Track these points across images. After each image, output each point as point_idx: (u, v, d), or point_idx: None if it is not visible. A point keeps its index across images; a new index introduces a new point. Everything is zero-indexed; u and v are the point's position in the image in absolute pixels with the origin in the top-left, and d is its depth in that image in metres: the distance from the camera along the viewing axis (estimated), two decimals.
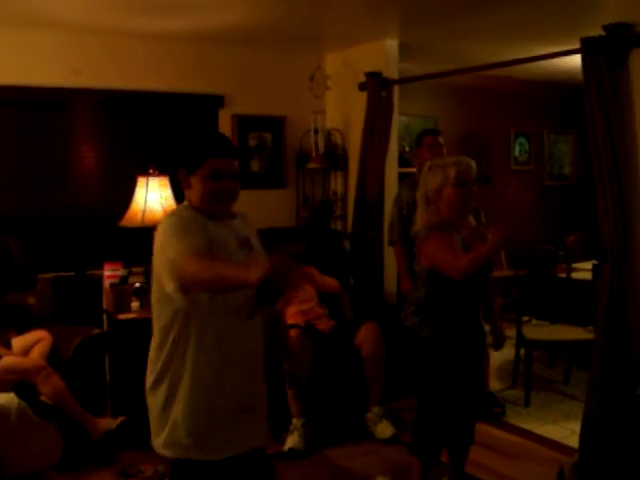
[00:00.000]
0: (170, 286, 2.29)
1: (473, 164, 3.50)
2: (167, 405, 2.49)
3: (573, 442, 4.29)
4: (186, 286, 2.26)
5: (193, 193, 2.49)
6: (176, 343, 2.44)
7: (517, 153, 8.54)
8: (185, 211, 2.49)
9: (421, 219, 3.54)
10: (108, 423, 4.35)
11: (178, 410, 2.46)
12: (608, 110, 3.83)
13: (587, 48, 3.91)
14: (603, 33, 3.88)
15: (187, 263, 2.20)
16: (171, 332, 2.45)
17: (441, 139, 4.98)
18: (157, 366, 2.51)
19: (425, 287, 3.47)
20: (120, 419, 4.36)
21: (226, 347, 2.45)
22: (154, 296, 2.48)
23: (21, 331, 4.46)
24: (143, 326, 4.60)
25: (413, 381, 3.89)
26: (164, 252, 2.32)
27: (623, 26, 3.83)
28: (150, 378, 2.56)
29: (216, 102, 5.99)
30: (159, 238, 2.38)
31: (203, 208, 2.47)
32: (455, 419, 3.58)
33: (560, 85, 7.83)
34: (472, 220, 3.63)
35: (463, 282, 3.31)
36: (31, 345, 4.32)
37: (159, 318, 2.49)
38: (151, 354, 2.57)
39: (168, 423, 2.49)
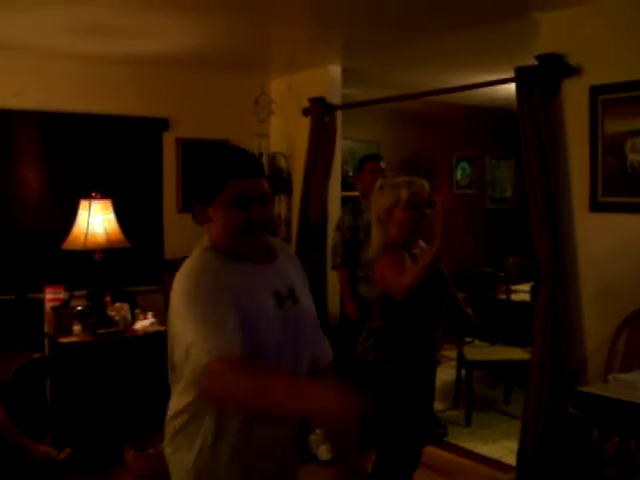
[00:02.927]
0: (189, 378, 1.84)
1: (426, 185, 3.42)
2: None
3: (512, 460, 4.37)
4: (212, 399, 1.81)
5: (213, 227, 1.97)
6: (193, 418, 1.98)
7: (459, 177, 8.71)
8: (206, 258, 1.95)
9: (375, 240, 3.46)
10: (49, 449, 4.30)
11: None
12: (541, 137, 3.97)
13: (521, 77, 4.06)
14: (536, 62, 4.04)
15: (212, 374, 1.68)
16: (188, 408, 1.99)
17: (382, 164, 5.06)
18: (180, 424, 2.02)
19: (382, 316, 3.38)
20: (66, 452, 4.31)
21: (254, 433, 1.98)
22: (173, 351, 1.96)
23: None
24: (85, 350, 4.63)
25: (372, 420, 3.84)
26: (181, 326, 1.83)
27: (555, 57, 3.99)
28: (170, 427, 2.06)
29: (160, 125, 6.00)
30: (174, 298, 1.89)
31: (228, 246, 1.95)
32: (413, 446, 3.59)
33: (501, 111, 8.02)
34: (423, 243, 3.56)
35: (417, 306, 3.31)
36: None
37: (180, 376, 2.00)
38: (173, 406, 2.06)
39: None
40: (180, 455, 2.00)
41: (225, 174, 1.91)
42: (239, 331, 1.78)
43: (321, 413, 1.55)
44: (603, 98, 3.87)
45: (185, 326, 1.79)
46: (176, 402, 2.02)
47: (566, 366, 3.95)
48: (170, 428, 2.05)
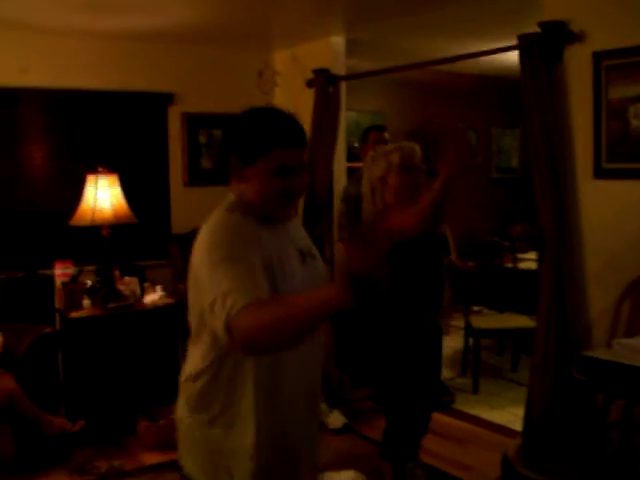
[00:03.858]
0: (223, 337, 1.76)
1: (417, 148, 3.42)
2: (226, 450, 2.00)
3: (519, 426, 4.41)
4: (246, 349, 1.77)
5: (248, 187, 1.97)
6: (213, 379, 1.99)
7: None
8: (232, 217, 1.95)
9: (367, 211, 3.47)
10: (63, 421, 4.37)
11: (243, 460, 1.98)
12: (545, 104, 3.96)
13: (524, 45, 4.04)
14: (539, 30, 4.02)
15: (241, 321, 1.68)
16: (212, 367, 1.98)
17: (387, 135, 5.07)
18: (197, 390, 2.03)
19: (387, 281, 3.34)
20: (79, 424, 4.38)
21: (284, 386, 1.98)
22: (192, 313, 1.99)
23: None
24: (95, 324, 4.69)
25: (380, 388, 3.87)
26: (210, 284, 1.81)
27: (558, 23, 3.97)
28: (191, 391, 2.06)
29: (165, 100, 6.02)
30: (198, 255, 1.90)
31: (260, 208, 1.97)
32: (422, 412, 3.65)
33: (507, 80, 7.97)
34: None
35: (420, 268, 3.32)
36: None
37: (196, 341, 2.02)
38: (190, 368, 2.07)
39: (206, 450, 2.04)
40: (200, 418, 2.01)
41: (273, 142, 1.92)
42: (264, 283, 1.81)
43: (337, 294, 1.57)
44: (606, 64, 3.85)
45: (213, 279, 1.79)
46: (192, 365, 2.03)
47: (571, 332, 3.97)
48: (186, 391, 2.06)
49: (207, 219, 1.99)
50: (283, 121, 1.98)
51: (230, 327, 1.70)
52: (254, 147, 1.94)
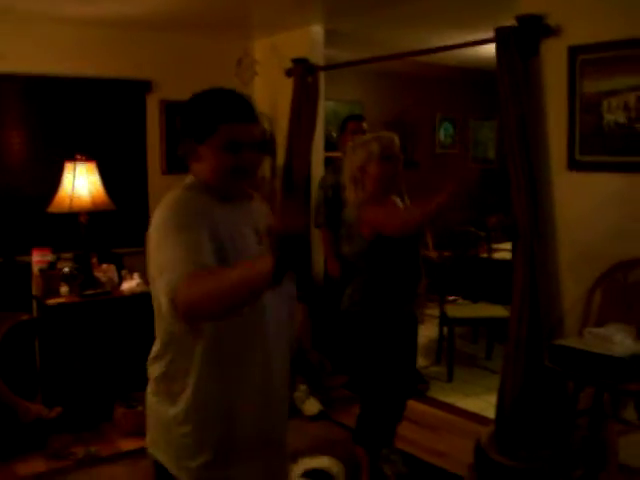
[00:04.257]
0: (166, 307, 1.77)
1: (396, 138, 3.51)
2: (170, 421, 2.03)
3: (492, 414, 4.49)
4: (187, 318, 1.77)
5: (202, 167, 2.00)
6: (174, 361, 2.01)
7: (442, 137, 8.76)
8: (187, 193, 1.98)
9: (349, 200, 3.56)
10: (40, 408, 4.38)
11: (184, 431, 2.00)
12: (520, 97, 4.02)
13: (500, 38, 4.10)
14: (516, 23, 4.07)
15: (182, 289, 1.70)
16: (168, 350, 2.02)
17: (365, 125, 5.11)
18: (157, 373, 2.07)
19: (367, 271, 3.51)
20: (56, 410, 4.39)
21: (239, 365, 2.00)
22: (153, 294, 1.99)
23: None
24: (72, 311, 4.69)
25: (355, 375, 3.93)
26: (158, 254, 1.87)
27: (534, 17, 4.03)
28: (153, 373, 2.10)
29: (144, 87, 6.01)
30: (154, 232, 1.92)
31: (214, 185, 1.99)
32: (396, 400, 3.71)
33: (484, 72, 8.03)
34: (398, 201, 3.64)
35: (398, 258, 3.39)
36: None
37: (157, 323, 2.05)
38: (153, 351, 2.10)
39: (173, 440, 2.03)
40: (162, 398, 2.05)
41: (217, 119, 1.95)
42: (211, 255, 1.83)
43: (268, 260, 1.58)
44: (582, 58, 3.91)
45: (163, 252, 1.83)
46: (154, 346, 2.08)
47: (544, 321, 4.05)
48: (152, 373, 2.09)
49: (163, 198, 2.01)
50: (228, 98, 2.00)
51: (172, 297, 1.72)
52: (201, 126, 1.97)
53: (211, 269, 1.76)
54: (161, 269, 1.81)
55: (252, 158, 1.98)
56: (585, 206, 3.99)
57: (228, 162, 1.95)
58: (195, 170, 2.04)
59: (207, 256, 1.81)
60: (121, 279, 5.05)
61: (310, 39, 5.96)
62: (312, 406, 4.77)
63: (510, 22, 4.09)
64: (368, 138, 3.57)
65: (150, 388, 2.12)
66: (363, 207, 3.45)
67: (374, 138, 3.51)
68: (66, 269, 4.88)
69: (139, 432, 4.32)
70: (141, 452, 4.08)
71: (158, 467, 2.08)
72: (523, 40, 4.03)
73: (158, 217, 1.93)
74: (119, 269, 5.14)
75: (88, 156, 5.00)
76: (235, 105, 1.98)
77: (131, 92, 5.98)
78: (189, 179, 2.05)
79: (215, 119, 1.95)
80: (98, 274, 4.94)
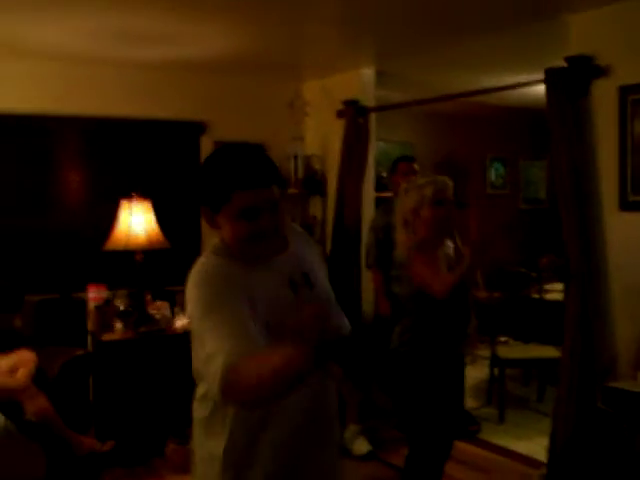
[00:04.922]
0: (214, 392, 1.83)
1: (450, 182, 3.53)
2: (212, 459, 2.07)
3: (544, 457, 4.43)
4: (236, 405, 1.89)
5: (224, 233, 1.97)
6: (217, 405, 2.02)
7: (493, 178, 8.75)
8: (217, 260, 1.97)
9: (400, 242, 3.57)
10: (93, 442, 4.45)
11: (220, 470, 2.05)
12: (571, 138, 4.03)
13: (550, 79, 4.12)
14: (566, 64, 4.10)
15: (231, 381, 1.73)
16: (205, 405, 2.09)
17: (416, 166, 5.14)
18: (201, 415, 2.13)
19: (416, 312, 3.52)
20: (109, 444, 4.46)
21: (279, 409, 1.97)
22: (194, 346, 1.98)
23: (6, 352, 4.56)
24: (126, 347, 4.78)
25: (403, 414, 3.94)
26: (202, 332, 1.88)
27: (584, 58, 4.05)
28: (198, 414, 2.17)
29: (198, 129, 6.15)
30: (193, 308, 1.93)
31: (238, 251, 1.96)
32: (444, 440, 3.69)
33: (534, 111, 8.04)
34: (450, 243, 3.66)
35: (448, 301, 3.41)
36: (17, 365, 4.42)
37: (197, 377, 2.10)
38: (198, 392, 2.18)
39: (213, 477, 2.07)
40: (209, 442, 2.06)
41: (230, 187, 1.88)
42: (257, 335, 1.83)
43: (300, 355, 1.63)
44: (632, 98, 3.92)
45: (202, 335, 1.85)
46: (201, 387, 2.11)
47: (596, 363, 3.99)
48: (197, 411, 2.13)
49: (196, 262, 2.01)
50: (239, 163, 1.92)
51: (222, 391, 1.75)
52: (215, 195, 1.91)
53: (256, 358, 1.74)
54: (206, 359, 1.82)
55: (269, 221, 1.90)
56: (637, 246, 3.95)
57: (244, 230, 1.89)
58: (220, 235, 2.00)
59: (249, 334, 1.81)
60: (174, 316, 5.13)
61: (361, 81, 6.05)
62: (361, 446, 4.76)
63: (560, 62, 4.11)
64: (422, 181, 3.58)
65: (195, 428, 2.14)
66: (413, 254, 3.46)
67: (428, 182, 3.53)
68: (121, 306, 4.98)
69: (189, 468, 4.36)
70: None
71: None
72: (573, 81, 4.05)
73: (193, 290, 1.93)
74: (172, 306, 5.22)
75: (144, 195, 5.13)
76: (247, 170, 1.90)
77: (186, 133, 6.13)
78: (217, 241, 2.02)
79: (227, 188, 1.88)
80: (152, 311, 5.03)
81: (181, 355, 4.87)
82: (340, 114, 5.99)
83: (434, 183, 3.49)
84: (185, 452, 4.51)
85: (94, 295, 5.07)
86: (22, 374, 4.40)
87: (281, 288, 1.97)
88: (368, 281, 5.64)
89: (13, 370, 4.41)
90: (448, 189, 3.51)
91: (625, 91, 3.94)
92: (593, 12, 4.10)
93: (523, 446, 4.93)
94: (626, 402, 3.42)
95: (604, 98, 4.03)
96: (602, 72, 4.01)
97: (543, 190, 9.24)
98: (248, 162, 1.92)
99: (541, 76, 4.23)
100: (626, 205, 3.99)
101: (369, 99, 6.03)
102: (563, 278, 4.29)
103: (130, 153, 5.88)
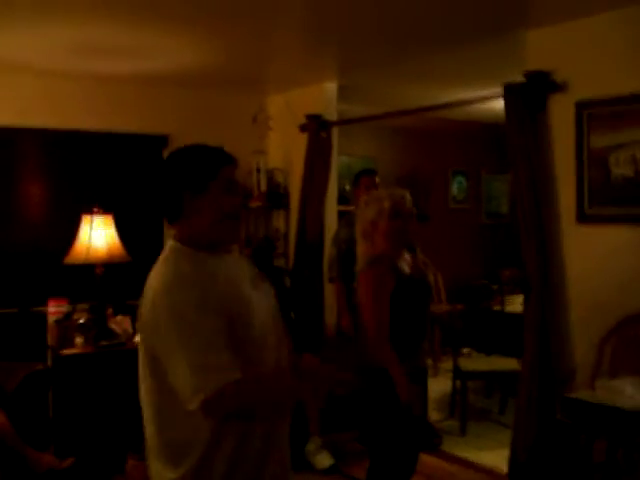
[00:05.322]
0: (192, 405, 1.87)
1: (407, 195, 3.55)
2: None
3: (506, 468, 4.45)
4: (217, 418, 1.94)
5: (196, 221, 2.04)
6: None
7: (455, 192, 8.83)
8: (183, 264, 2.03)
9: (360, 254, 3.57)
10: (52, 459, 4.39)
11: None
12: (529, 152, 4.09)
13: (509, 93, 4.18)
14: (524, 79, 4.16)
15: (216, 400, 1.84)
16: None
17: (377, 179, 5.17)
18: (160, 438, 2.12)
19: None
20: (69, 461, 4.40)
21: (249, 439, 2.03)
22: (144, 371, 2.04)
23: None
24: (86, 361, 4.72)
25: (365, 427, 3.95)
26: (178, 344, 1.90)
27: (542, 74, 4.12)
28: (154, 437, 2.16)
29: (160, 142, 6.12)
30: (168, 317, 1.92)
31: (210, 238, 2.06)
32: (407, 453, 3.69)
33: (497, 126, 8.11)
34: (407, 255, 3.66)
35: (405, 314, 3.43)
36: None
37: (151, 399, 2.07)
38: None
39: None
40: (170, 468, 2.04)
41: (217, 163, 2.06)
42: (230, 351, 1.91)
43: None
44: (588, 112, 3.99)
45: (186, 347, 1.89)
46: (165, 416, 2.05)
47: (555, 374, 4.04)
48: (157, 442, 2.10)
49: (157, 268, 2.11)
50: (208, 146, 2.13)
51: (204, 404, 1.84)
52: (203, 173, 2.04)
53: (247, 379, 1.90)
54: (188, 367, 1.86)
55: (240, 200, 2.14)
56: (595, 258, 4.02)
57: (229, 203, 2.04)
58: (185, 228, 2.08)
59: (227, 353, 1.90)
60: (135, 330, 5.09)
61: (324, 95, 6.08)
62: (324, 459, 4.75)
63: (520, 78, 4.17)
64: (381, 194, 3.62)
65: (151, 452, 2.14)
66: (363, 270, 3.49)
67: (386, 195, 3.56)
68: (81, 320, 4.93)
69: None
70: None
71: None
72: (531, 96, 4.11)
73: (166, 298, 1.96)
74: (133, 320, 5.18)
75: (105, 209, 5.09)
76: (220, 149, 2.12)
77: (148, 146, 6.10)
78: (173, 244, 2.10)
79: (215, 165, 2.05)
80: (113, 325, 4.98)
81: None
82: (303, 128, 6.01)
83: (392, 196, 3.52)
84: (145, 468, 4.46)
85: (54, 309, 5.01)
86: None
87: (243, 282, 2.08)
88: (331, 294, 5.65)
89: None
90: (406, 202, 3.53)
91: (582, 106, 4.01)
92: (550, 29, 4.18)
93: (485, 457, 4.96)
94: (584, 413, 3.45)
95: (561, 113, 4.10)
96: (559, 87, 4.08)
97: (505, 204, 9.34)
98: (218, 147, 2.13)
99: (500, 91, 4.29)
100: (583, 218, 4.06)
101: (332, 113, 6.07)
102: (523, 290, 4.33)
103: (92, 166, 5.84)
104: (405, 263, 3.55)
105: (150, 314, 1.99)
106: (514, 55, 4.50)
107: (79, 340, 4.85)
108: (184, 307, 1.91)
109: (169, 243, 2.13)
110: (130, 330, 5.05)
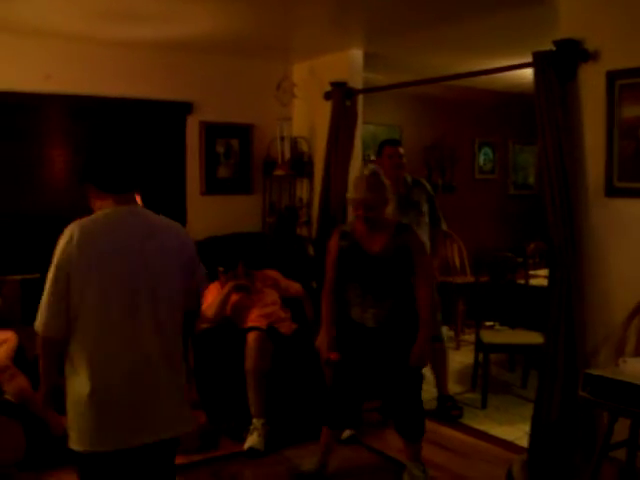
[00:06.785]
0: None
1: (367, 179, 3.86)
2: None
3: (527, 443, 4.42)
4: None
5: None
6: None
7: (482, 162, 8.71)
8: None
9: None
10: None
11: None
12: (558, 122, 3.99)
13: (538, 62, 4.08)
14: (554, 48, 4.05)
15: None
16: None
17: (401, 149, 5.10)
18: None
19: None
20: None
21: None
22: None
23: None
24: None
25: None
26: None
27: (572, 42, 4.01)
28: None
29: (184, 109, 6.10)
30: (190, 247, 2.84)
31: None
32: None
33: (525, 95, 7.99)
34: (382, 235, 3.93)
35: (343, 278, 3.99)
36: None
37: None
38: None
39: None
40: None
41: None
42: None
43: None
44: (619, 83, 3.88)
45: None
46: None
47: (579, 350, 3.98)
48: None
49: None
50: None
51: None
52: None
53: None
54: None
55: None
56: (623, 232, 3.93)
57: None
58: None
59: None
60: None
61: (349, 62, 6.00)
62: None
63: (549, 46, 4.07)
64: (361, 175, 3.96)
65: None
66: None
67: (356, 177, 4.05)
68: None
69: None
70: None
71: None
72: (561, 65, 4.01)
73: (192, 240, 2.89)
74: None
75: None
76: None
77: (172, 113, 6.08)
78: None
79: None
80: None
81: None
82: (327, 96, 5.94)
83: (355, 181, 4.00)
84: None
85: None
86: (2, 354, 4.37)
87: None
88: None
89: None
90: (358, 188, 3.85)
91: (613, 76, 3.90)
92: None
93: (505, 432, 4.92)
94: (607, 390, 3.39)
95: (592, 83, 3.99)
96: (590, 56, 3.97)
97: (532, 175, 9.21)
98: None
99: (528, 59, 4.19)
100: (612, 191, 3.96)
101: (357, 81, 5.99)
102: (549, 264, 4.27)
103: (115, 132, 5.81)
104: (374, 240, 3.88)
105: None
106: (544, 23, 4.39)
107: None
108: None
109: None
110: None
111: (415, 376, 3.97)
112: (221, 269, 5.13)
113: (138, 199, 2.99)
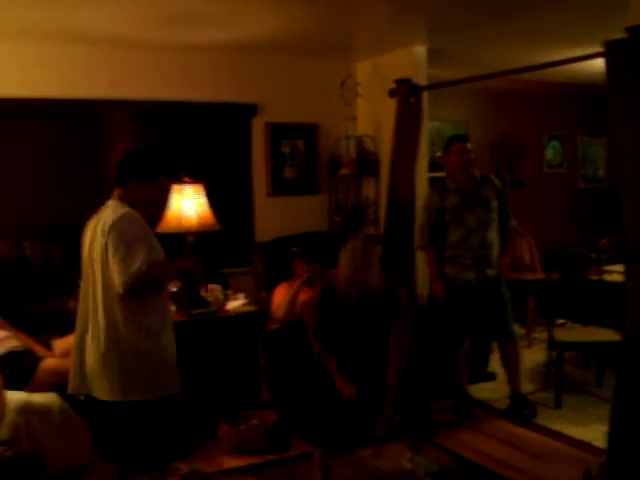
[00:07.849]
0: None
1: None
2: None
3: (603, 443, 4.31)
4: None
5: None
6: None
7: (550, 156, 8.54)
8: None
9: None
10: None
11: None
12: (633, 114, 3.86)
13: (611, 51, 3.95)
14: (626, 35, 3.93)
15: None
16: None
17: (469, 145, 5.04)
18: None
19: None
20: None
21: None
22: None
23: (62, 334, 4.62)
24: (179, 329, 4.75)
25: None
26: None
27: None
28: None
29: (249, 111, 6.14)
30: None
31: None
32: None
33: (593, 87, 7.80)
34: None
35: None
36: (72, 347, 4.47)
37: None
38: None
39: None
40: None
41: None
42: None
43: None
44: None
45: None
46: None
47: None
48: None
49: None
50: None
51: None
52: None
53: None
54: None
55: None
56: None
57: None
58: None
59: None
60: (226, 298, 5.13)
61: (413, 59, 5.95)
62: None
63: (616, 35, 3.94)
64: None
65: None
66: None
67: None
68: (173, 289, 4.99)
69: (242, 450, 4.38)
70: (243, 470, 4.17)
71: None
72: (634, 53, 3.88)
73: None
74: (225, 289, 5.23)
75: (196, 178, 5.12)
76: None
77: (237, 115, 6.13)
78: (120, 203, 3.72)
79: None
80: (204, 294, 5.03)
81: (233, 337, 4.91)
82: (392, 93, 5.89)
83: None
84: (238, 433, 4.53)
85: None
86: (61, 344, 4.47)
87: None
88: (422, 262, 5.57)
89: (68, 353, 4.46)
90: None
91: None
92: None
93: (580, 432, 4.81)
94: None
95: None
96: None
97: (602, 168, 8.99)
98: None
99: (597, 49, 4.07)
100: None
101: (421, 77, 5.93)
102: (624, 259, 4.14)
103: (181, 136, 5.90)
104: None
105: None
106: (611, 12, 4.28)
107: (172, 309, 4.91)
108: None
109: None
110: (221, 298, 5.08)
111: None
112: (296, 248, 5.18)
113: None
